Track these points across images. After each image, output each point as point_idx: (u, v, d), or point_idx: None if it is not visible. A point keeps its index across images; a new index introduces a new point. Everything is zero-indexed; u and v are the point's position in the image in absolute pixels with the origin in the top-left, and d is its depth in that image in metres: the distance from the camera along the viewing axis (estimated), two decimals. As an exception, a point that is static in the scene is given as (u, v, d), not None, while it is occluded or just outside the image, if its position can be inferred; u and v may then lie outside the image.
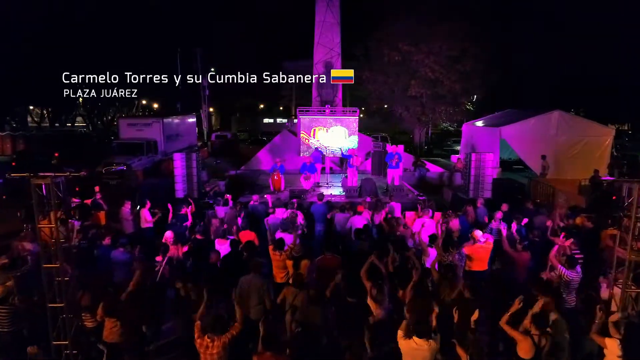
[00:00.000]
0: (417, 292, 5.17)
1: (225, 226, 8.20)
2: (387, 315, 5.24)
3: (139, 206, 9.87)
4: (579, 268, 5.95)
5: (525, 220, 8.25)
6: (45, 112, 45.59)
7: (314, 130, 16.06)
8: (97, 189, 12.68)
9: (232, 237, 7.53)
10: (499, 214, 8.23)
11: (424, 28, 22.95)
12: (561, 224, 8.36)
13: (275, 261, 6.68)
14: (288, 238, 7.36)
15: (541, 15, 33.76)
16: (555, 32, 34.53)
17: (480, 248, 6.70)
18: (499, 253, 7.16)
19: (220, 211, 9.53)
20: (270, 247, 6.74)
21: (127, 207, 9.69)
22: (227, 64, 39.61)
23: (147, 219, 9.62)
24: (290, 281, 6.30)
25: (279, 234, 7.44)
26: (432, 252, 6.92)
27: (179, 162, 11.87)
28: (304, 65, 27.97)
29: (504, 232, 7.14)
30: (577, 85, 35.62)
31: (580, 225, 8.34)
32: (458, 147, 31.28)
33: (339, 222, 8.91)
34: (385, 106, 29.53)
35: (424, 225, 7.93)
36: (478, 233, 6.71)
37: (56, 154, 22.60)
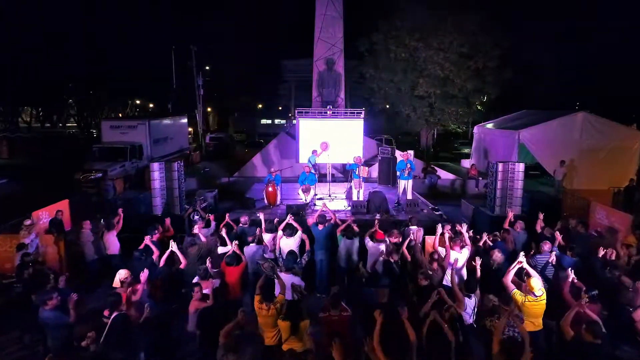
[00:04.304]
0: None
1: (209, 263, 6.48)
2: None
3: (105, 227, 8.20)
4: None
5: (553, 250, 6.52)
6: (35, 112, 44.09)
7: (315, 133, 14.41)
8: (66, 202, 11.16)
9: (214, 281, 5.86)
10: (546, 245, 6.51)
11: (434, 22, 21.25)
12: (623, 254, 6.69)
13: (262, 317, 4.97)
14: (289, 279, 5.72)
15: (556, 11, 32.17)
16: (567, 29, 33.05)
17: (535, 302, 4.99)
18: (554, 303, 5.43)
19: (202, 235, 7.74)
20: (257, 298, 5.04)
21: (86, 227, 8.04)
22: (225, 62, 38.39)
23: (112, 245, 7.97)
24: (285, 347, 4.67)
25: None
26: (470, 303, 5.26)
27: (157, 173, 10.19)
28: (305, 64, 26.41)
29: (570, 276, 5.38)
30: (590, 84, 34.03)
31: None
32: (466, 150, 29.63)
33: (344, 253, 7.21)
34: (387, 106, 27.82)
35: (457, 260, 6.18)
36: (537, 283, 4.96)
37: None
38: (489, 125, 21.42)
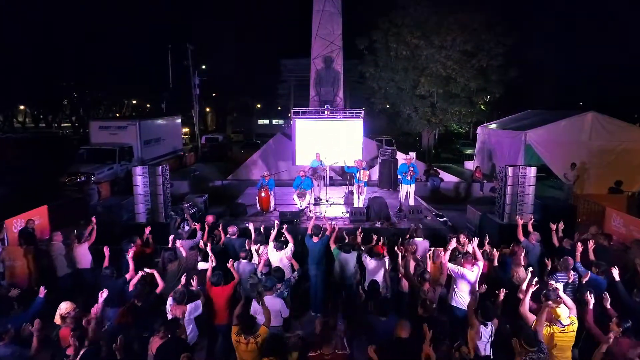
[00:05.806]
0: None
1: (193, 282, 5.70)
2: None
3: (76, 239, 7.45)
4: None
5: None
6: (30, 111, 43.40)
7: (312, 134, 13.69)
8: (44, 208, 10.45)
9: (194, 304, 5.08)
10: (570, 261, 5.74)
11: (436, 19, 20.49)
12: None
13: (240, 352, 4.23)
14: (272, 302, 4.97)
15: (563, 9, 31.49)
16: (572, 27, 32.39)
17: (562, 333, 4.25)
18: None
19: (184, 249, 6.92)
20: (234, 329, 4.29)
21: (57, 239, 7.30)
22: (223, 61, 37.67)
23: (83, 258, 7.22)
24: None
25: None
26: (485, 332, 4.52)
27: (140, 178, 9.44)
28: (304, 63, 25.70)
29: (590, 301, 4.64)
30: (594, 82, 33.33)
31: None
32: (469, 151, 28.89)
33: (341, 269, 6.44)
34: (388, 106, 27.06)
35: (475, 281, 5.38)
36: (564, 310, 4.24)
37: None
38: (493, 126, 20.69)
